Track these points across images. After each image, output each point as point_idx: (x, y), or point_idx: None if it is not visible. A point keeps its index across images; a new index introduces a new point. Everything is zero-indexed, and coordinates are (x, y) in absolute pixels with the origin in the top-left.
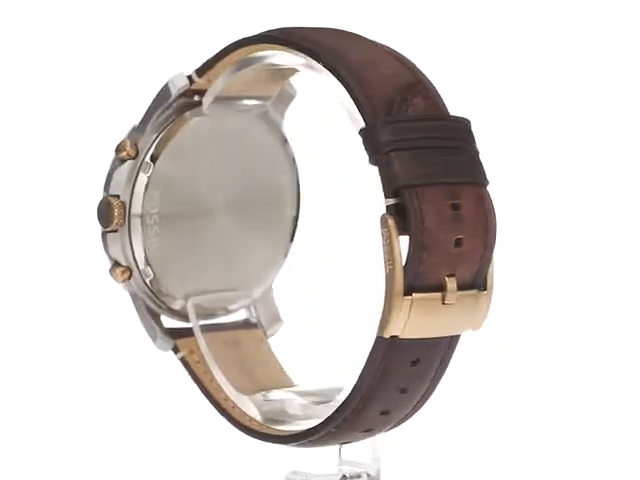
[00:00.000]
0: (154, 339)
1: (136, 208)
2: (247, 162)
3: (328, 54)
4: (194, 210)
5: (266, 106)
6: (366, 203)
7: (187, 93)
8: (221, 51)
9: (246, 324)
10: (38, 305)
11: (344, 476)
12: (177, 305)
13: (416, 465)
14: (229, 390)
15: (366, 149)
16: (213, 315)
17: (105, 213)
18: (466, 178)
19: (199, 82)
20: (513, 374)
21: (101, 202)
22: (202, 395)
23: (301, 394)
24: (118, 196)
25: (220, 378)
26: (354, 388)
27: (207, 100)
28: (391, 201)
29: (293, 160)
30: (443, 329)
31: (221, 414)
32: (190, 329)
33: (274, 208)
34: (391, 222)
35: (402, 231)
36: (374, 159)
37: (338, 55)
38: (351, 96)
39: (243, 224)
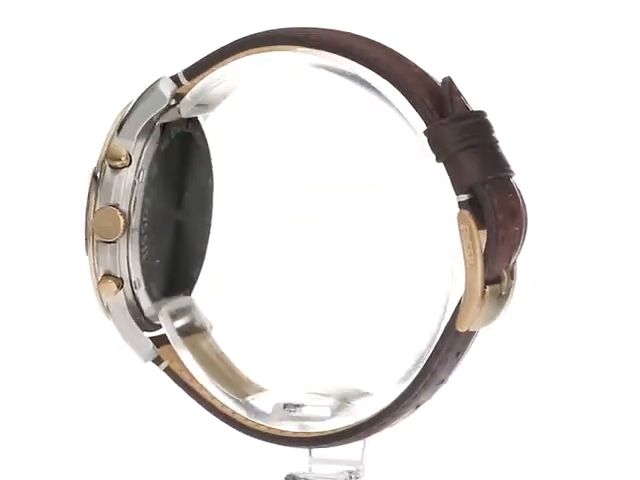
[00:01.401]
0: (143, 348)
1: (136, 218)
2: (196, 166)
3: (364, 55)
4: (168, 216)
5: (205, 111)
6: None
7: None
8: (221, 51)
9: (192, 328)
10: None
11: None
12: (148, 313)
13: (400, 464)
14: (220, 395)
15: (432, 149)
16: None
17: (110, 225)
18: (509, 172)
19: (186, 85)
20: (507, 372)
21: (103, 213)
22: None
23: (316, 395)
24: (117, 205)
25: (206, 383)
26: (412, 384)
27: (189, 105)
28: (464, 197)
29: (211, 163)
30: (490, 320)
31: (222, 420)
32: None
33: (207, 211)
34: (470, 217)
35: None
36: (442, 158)
37: (372, 56)
38: (406, 96)
39: (193, 228)
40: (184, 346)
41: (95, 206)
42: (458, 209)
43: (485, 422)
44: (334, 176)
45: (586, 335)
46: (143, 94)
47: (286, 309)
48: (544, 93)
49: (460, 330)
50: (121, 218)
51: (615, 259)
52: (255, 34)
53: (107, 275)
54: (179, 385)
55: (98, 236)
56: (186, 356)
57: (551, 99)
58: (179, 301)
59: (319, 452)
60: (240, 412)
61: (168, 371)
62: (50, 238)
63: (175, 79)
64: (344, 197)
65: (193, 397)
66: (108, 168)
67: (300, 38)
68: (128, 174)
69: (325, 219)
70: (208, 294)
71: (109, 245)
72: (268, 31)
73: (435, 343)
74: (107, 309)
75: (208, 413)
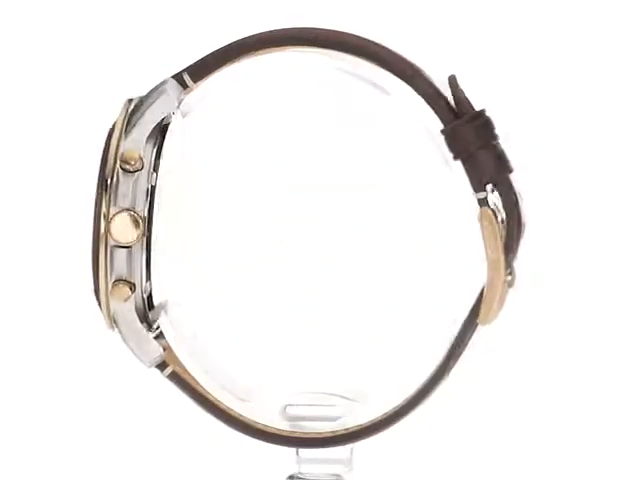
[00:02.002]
0: (152, 353)
1: (150, 221)
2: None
3: (377, 55)
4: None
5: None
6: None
7: None
8: (228, 52)
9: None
10: None
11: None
12: (150, 316)
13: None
14: (224, 397)
15: (450, 148)
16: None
17: (129, 229)
18: (513, 169)
19: (190, 87)
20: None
21: (122, 217)
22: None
23: (324, 395)
24: (134, 209)
25: (209, 384)
26: (433, 378)
27: (189, 106)
28: (483, 194)
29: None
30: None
31: (228, 423)
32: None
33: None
34: (492, 213)
35: None
36: (461, 157)
37: (383, 55)
38: (424, 96)
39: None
40: (186, 348)
41: (109, 210)
42: (478, 206)
43: (475, 420)
44: (335, 176)
45: (585, 334)
46: (151, 97)
47: (287, 309)
48: (521, 88)
49: (481, 324)
50: (140, 222)
51: (609, 256)
52: (262, 34)
53: (119, 280)
54: (184, 389)
55: (115, 241)
56: (188, 359)
57: (534, 95)
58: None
59: (306, 452)
60: (247, 414)
61: (173, 376)
62: (46, 242)
63: (180, 81)
64: (345, 197)
65: (198, 401)
66: (121, 172)
67: (310, 39)
68: (142, 177)
69: (327, 219)
70: (208, 294)
71: (125, 250)
72: (274, 31)
73: (453, 339)
74: (112, 316)
75: (214, 418)
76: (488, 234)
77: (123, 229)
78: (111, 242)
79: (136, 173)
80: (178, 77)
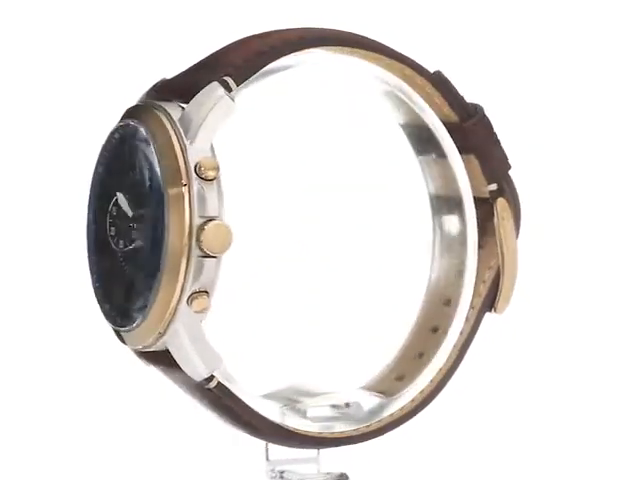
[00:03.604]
0: (214, 362)
1: None
2: None
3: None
4: None
5: None
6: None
7: None
8: (267, 55)
9: None
10: None
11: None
12: None
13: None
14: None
15: (469, 144)
16: None
17: (223, 239)
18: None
19: (234, 90)
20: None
21: (216, 226)
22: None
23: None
24: (214, 218)
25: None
26: (451, 370)
27: None
28: (494, 186)
29: None
30: None
31: (266, 433)
32: None
33: None
34: (508, 204)
35: None
36: (476, 152)
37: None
38: (443, 94)
39: None
40: None
41: (192, 220)
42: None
43: (474, 420)
44: (337, 176)
45: (585, 334)
46: (207, 101)
47: (294, 309)
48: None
49: (499, 314)
50: (231, 230)
51: (609, 255)
52: (300, 32)
53: (197, 292)
54: (224, 401)
55: (208, 251)
56: None
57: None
58: None
59: (275, 453)
60: (290, 422)
61: (218, 387)
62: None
63: (225, 85)
64: (349, 197)
65: (240, 412)
66: (201, 180)
67: (330, 38)
68: (218, 185)
69: (329, 220)
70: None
71: (215, 260)
72: (306, 30)
73: (467, 334)
74: (171, 330)
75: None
76: (505, 224)
77: (216, 239)
78: (197, 252)
79: (214, 181)
80: (222, 82)
